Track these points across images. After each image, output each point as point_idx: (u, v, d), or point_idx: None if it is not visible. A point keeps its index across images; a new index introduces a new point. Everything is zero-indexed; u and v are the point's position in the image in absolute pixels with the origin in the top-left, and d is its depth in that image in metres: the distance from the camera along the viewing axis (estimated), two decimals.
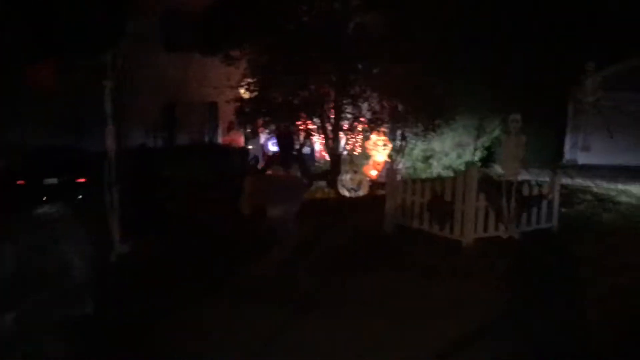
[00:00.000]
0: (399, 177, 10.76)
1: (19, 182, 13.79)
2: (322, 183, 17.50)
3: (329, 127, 14.51)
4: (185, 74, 19.03)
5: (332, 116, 14.57)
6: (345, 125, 14.63)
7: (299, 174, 9.40)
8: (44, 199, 13.49)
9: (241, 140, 19.49)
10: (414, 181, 10.30)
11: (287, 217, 7.90)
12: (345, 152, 15.00)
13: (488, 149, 20.29)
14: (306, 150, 18.67)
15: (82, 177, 14.30)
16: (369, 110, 14.90)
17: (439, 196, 9.45)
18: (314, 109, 14.19)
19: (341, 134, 14.66)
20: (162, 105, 19.18)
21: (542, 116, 19.30)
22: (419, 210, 9.71)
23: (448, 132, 19.12)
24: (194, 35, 18.16)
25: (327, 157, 20.41)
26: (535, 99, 18.66)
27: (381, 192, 14.10)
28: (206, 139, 19.63)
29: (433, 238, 9.43)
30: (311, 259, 8.34)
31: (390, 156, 19.77)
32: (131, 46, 19.36)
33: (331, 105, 14.43)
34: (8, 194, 13.30)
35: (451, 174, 19.90)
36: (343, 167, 13.98)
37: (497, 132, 19.68)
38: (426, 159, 20.12)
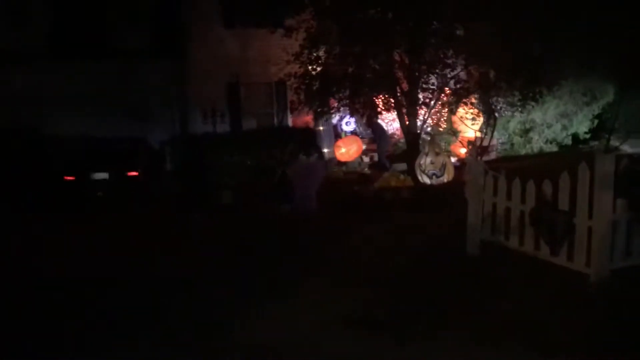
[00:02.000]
0: (483, 171, 7.19)
1: (66, 177, 12.69)
2: (402, 166, 15.37)
3: (404, 102, 12.26)
4: (247, 51, 17.36)
5: (406, 88, 12.30)
6: (424, 97, 12.32)
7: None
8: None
9: (311, 122, 17.62)
10: (508, 177, 6.93)
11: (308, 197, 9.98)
12: (425, 131, 12.72)
13: (598, 117, 17.24)
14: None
15: (134, 171, 13.00)
16: (452, 78, 12.49)
17: (548, 202, 6.30)
18: (387, 82, 11.98)
19: (419, 109, 12.38)
20: (224, 87, 17.65)
21: None
22: (517, 223, 6.65)
23: (551, 101, 16.30)
24: (254, 7, 16.42)
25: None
26: None
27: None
28: (275, 121, 17.92)
29: (540, 266, 6.33)
30: (347, 306, 5.80)
31: (480, 131, 17.31)
32: (189, 25, 18.16)
33: (405, 74, 12.16)
34: (54, 190, 12.28)
35: (555, 149, 17.15)
36: (422, 149, 11.73)
37: (610, 98, 16.57)
38: (525, 132, 17.43)
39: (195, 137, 16.20)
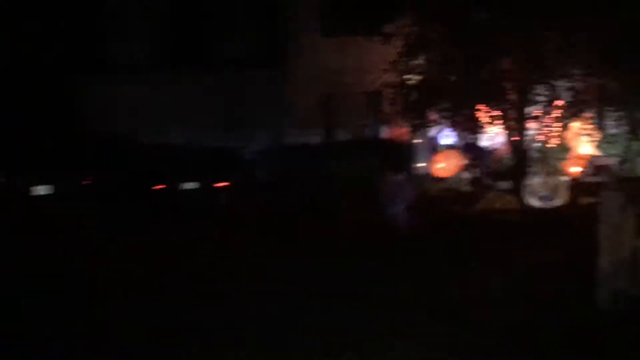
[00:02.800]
0: (621, 206, 5.61)
1: (156, 187, 12.65)
2: (505, 184, 14.14)
3: (512, 115, 11.12)
4: (344, 60, 16.83)
5: (515, 100, 11.18)
6: (534, 111, 11.13)
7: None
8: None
9: (406, 134, 16.74)
10: None
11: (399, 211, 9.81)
12: (534, 147, 11.50)
13: None
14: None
15: (224, 181, 12.77)
16: (567, 90, 11.21)
17: None
18: (494, 92, 10.92)
19: (529, 123, 11.21)
20: (319, 97, 17.21)
21: None
22: None
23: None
24: (351, 14, 15.87)
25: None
26: None
27: (587, 199, 10.47)
28: (368, 133, 17.22)
29: None
30: None
31: (599, 148, 15.66)
32: (287, 34, 17.90)
33: (514, 85, 11.03)
34: (143, 200, 12.25)
35: None
36: (532, 168, 10.57)
37: None
38: None
39: (290, 147, 15.84)
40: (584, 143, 15.07)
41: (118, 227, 10.13)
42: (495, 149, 17.02)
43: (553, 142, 13.79)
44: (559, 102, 11.56)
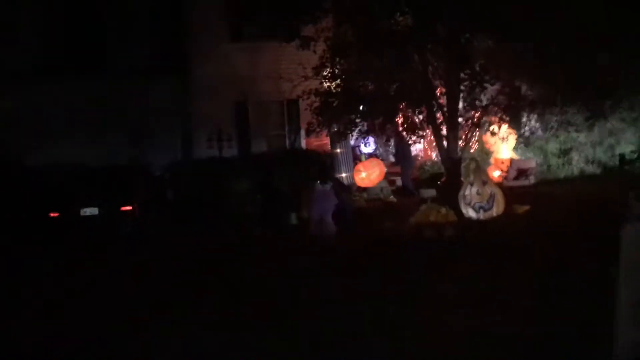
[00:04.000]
0: None
1: (52, 214, 11.00)
2: (431, 192, 13.60)
3: (440, 120, 10.51)
4: (257, 67, 15.73)
5: (442, 104, 10.57)
6: (467, 116, 10.59)
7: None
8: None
9: (326, 143, 15.93)
10: None
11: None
12: (466, 154, 10.95)
13: None
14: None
15: (128, 205, 11.28)
16: (499, 93, 10.73)
17: None
18: (420, 97, 10.26)
19: (458, 129, 10.64)
20: (231, 106, 16.02)
21: None
22: None
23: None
24: (263, 17, 14.83)
25: (435, 158, 16.52)
26: None
27: (522, 207, 10.03)
28: (287, 143, 16.22)
29: None
30: None
31: (517, 152, 15.57)
32: (192, 39, 16.56)
33: (445, 87, 10.40)
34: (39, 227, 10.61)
35: (598, 171, 15.38)
36: (467, 178, 9.98)
37: None
38: (564, 152, 15.67)
39: (201, 163, 14.51)
40: (502, 147, 14.95)
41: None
42: (417, 156, 16.66)
43: (478, 148, 13.53)
44: (484, 107, 10.98)
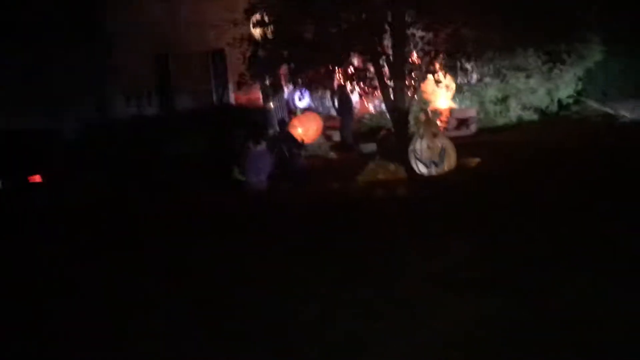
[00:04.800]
0: None
1: None
2: (371, 147, 12.88)
3: (386, 69, 9.63)
4: (177, 14, 14.26)
5: (390, 52, 9.68)
6: (415, 61, 9.76)
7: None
8: None
9: (259, 98, 14.80)
10: None
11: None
12: (413, 105, 10.18)
13: (581, 80, 15.26)
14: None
15: (36, 174, 9.87)
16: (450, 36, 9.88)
17: None
18: (365, 42, 9.30)
19: (405, 78, 9.82)
20: (152, 59, 14.53)
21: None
22: None
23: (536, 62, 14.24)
24: None
25: (373, 110, 15.76)
26: None
27: (473, 160, 9.47)
28: (214, 99, 14.95)
29: None
30: None
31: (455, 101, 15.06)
32: None
33: (389, 29, 9.45)
34: None
35: (535, 117, 15.13)
36: (417, 131, 9.25)
37: (597, 57, 14.58)
38: (502, 100, 15.29)
39: (120, 123, 13.10)
40: (440, 96, 14.37)
41: None
42: (354, 109, 15.84)
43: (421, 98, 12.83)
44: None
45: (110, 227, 7.90)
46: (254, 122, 12.14)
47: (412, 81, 9.84)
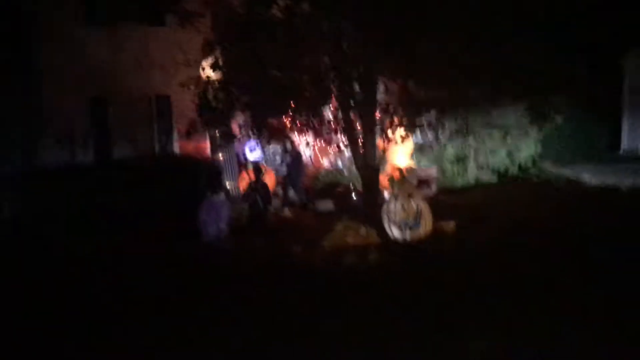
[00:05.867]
0: None
1: None
2: (328, 205, 11.95)
3: (357, 122, 8.76)
4: (118, 55, 13.08)
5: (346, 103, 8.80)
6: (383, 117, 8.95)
7: None
8: None
9: (206, 148, 13.65)
10: None
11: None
12: (381, 162, 9.30)
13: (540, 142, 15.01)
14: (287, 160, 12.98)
15: None
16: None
17: None
18: (338, 89, 8.41)
19: (372, 132, 8.97)
20: (88, 102, 13.17)
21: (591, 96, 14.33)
22: None
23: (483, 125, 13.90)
24: None
25: (328, 166, 14.87)
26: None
27: (448, 223, 8.62)
28: (156, 147, 13.66)
29: None
30: None
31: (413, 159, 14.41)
32: (36, 20, 13.43)
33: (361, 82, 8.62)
34: None
35: (494, 179, 14.68)
36: (392, 191, 8.34)
37: (559, 119, 14.37)
38: (460, 159, 14.80)
39: (47, 172, 11.57)
40: (398, 154, 13.70)
41: None
42: (307, 164, 14.93)
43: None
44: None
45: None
46: (204, 172, 10.94)
47: (385, 136, 8.98)
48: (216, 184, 9.81)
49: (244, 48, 8.35)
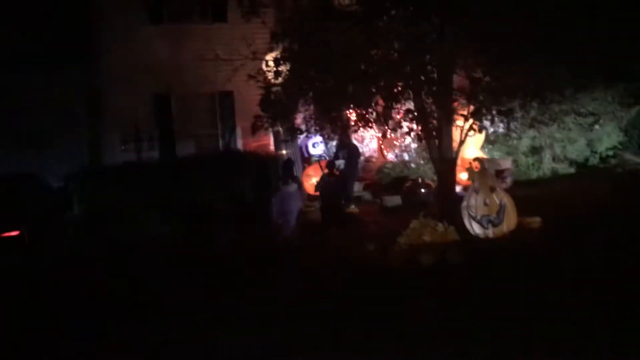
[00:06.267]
0: None
1: None
2: (395, 200, 11.46)
3: (434, 111, 8.19)
4: (181, 52, 12.98)
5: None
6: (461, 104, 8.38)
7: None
8: None
9: (270, 144, 13.40)
10: None
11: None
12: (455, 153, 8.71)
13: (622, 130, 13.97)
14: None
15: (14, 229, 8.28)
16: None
17: None
18: (408, 77, 7.90)
19: (455, 123, 8.42)
20: (152, 99, 13.15)
21: None
22: None
23: (569, 111, 12.99)
24: None
25: (393, 158, 14.32)
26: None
27: (533, 219, 7.97)
28: (220, 144, 13.52)
29: None
30: None
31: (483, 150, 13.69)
32: (101, 21, 13.52)
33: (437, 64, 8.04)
34: None
35: (571, 170, 13.77)
36: (472, 186, 7.77)
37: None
38: (535, 150, 13.95)
39: (115, 169, 11.62)
40: (469, 145, 13.02)
41: None
42: (372, 157, 14.48)
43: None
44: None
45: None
46: (270, 168, 10.73)
47: (463, 126, 8.41)
48: (287, 174, 9.54)
49: (313, 38, 7.94)
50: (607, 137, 13.47)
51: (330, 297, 6.19)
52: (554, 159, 13.99)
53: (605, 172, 13.24)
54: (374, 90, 7.91)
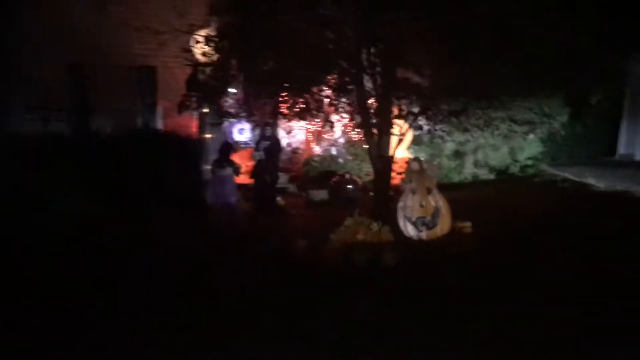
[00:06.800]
0: None
1: None
2: (322, 194, 11.17)
3: (371, 105, 7.92)
4: (101, 18, 11.95)
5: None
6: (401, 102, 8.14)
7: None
8: None
9: (193, 126, 12.65)
10: None
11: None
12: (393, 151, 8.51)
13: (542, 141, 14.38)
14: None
15: None
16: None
17: None
18: (349, 71, 7.58)
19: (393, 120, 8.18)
20: (64, 69, 12.03)
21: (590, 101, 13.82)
22: None
23: (497, 118, 13.18)
24: None
25: (321, 152, 14.01)
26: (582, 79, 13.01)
27: (464, 224, 7.87)
28: (138, 122, 12.57)
29: None
30: None
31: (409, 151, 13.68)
32: None
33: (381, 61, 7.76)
34: None
35: (491, 176, 14.06)
36: (409, 186, 7.53)
37: (564, 118, 13.74)
38: (459, 155, 14.14)
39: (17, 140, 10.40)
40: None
41: None
42: (297, 149, 14.10)
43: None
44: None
45: None
46: (193, 151, 10.07)
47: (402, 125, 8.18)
48: (223, 158, 9.00)
49: (244, 20, 7.41)
50: (528, 147, 13.84)
51: (260, 294, 5.76)
52: (475, 164, 14.29)
53: (523, 181, 13.57)
54: (325, 76, 7.48)
